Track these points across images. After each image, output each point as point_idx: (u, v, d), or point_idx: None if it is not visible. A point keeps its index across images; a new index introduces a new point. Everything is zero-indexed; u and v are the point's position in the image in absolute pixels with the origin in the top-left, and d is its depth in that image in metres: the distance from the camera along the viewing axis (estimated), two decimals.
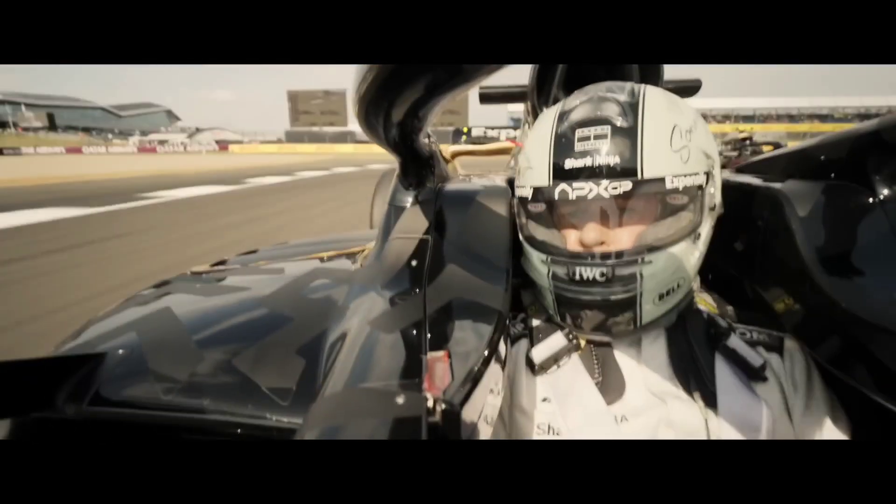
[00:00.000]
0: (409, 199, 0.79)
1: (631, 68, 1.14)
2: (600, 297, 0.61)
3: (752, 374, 0.63)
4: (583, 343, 0.68)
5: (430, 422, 0.37)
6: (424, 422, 0.36)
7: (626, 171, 0.57)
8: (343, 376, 0.45)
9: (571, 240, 0.64)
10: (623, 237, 0.62)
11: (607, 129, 0.59)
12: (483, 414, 0.48)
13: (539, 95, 1.35)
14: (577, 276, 0.61)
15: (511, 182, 0.83)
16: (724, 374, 0.63)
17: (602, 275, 0.59)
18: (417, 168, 0.80)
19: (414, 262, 0.66)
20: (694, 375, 0.64)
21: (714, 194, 0.64)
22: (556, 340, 0.67)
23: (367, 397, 0.41)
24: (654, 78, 1.22)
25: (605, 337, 0.67)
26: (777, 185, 0.69)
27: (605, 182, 0.57)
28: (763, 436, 0.59)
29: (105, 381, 0.54)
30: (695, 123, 0.63)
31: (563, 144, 0.61)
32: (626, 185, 0.57)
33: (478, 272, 0.64)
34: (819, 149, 0.74)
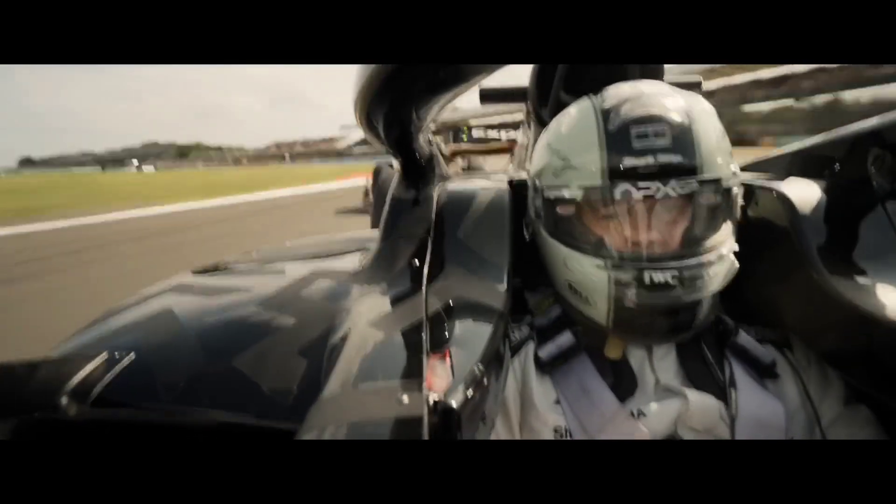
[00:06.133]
0: (409, 200, 0.79)
1: (631, 68, 1.14)
2: (670, 301, 0.58)
3: (763, 372, 0.63)
4: (612, 349, 0.66)
5: (432, 422, 0.37)
6: (426, 422, 0.36)
7: (689, 170, 0.56)
8: (344, 377, 0.45)
9: (620, 242, 0.61)
10: (676, 237, 0.60)
11: (665, 127, 0.57)
12: (483, 414, 0.48)
13: (539, 95, 1.35)
14: (648, 281, 0.57)
15: (512, 182, 0.83)
16: (735, 372, 0.62)
17: (674, 277, 0.57)
18: (418, 168, 0.80)
19: (414, 263, 0.66)
20: (705, 373, 0.63)
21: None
22: (564, 339, 0.66)
23: (368, 397, 0.41)
24: (654, 78, 1.22)
25: (661, 342, 0.64)
26: (778, 184, 0.69)
27: (672, 182, 0.56)
28: (779, 433, 0.59)
29: (107, 382, 0.54)
30: (722, 127, 0.62)
31: (617, 142, 0.57)
32: (693, 185, 0.56)
33: (478, 272, 0.64)
34: (820, 147, 0.74)
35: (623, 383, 0.64)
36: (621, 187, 0.57)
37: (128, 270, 5.44)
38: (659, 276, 0.57)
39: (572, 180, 0.61)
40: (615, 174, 0.57)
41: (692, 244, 0.60)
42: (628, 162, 0.57)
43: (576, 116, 0.64)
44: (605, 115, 0.60)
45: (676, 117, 0.57)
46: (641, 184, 0.56)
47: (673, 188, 0.56)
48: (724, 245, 0.60)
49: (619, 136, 0.58)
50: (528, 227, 0.73)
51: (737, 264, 0.62)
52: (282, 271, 0.83)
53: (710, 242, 0.60)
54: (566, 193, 0.62)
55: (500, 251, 0.68)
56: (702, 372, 0.64)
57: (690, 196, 0.58)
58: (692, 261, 0.58)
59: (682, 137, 0.56)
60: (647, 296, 0.58)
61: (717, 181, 0.58)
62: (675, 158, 0.56)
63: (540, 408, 0.63)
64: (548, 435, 0.62)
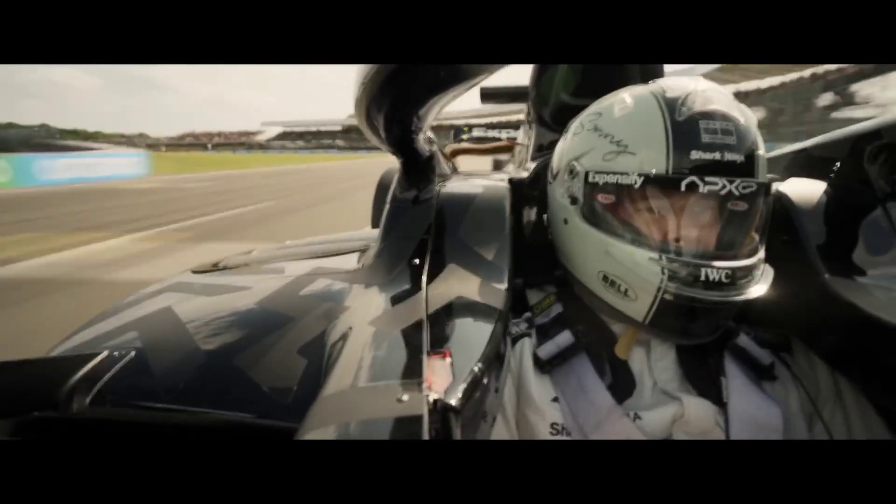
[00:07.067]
0: (409, 199, 0.79)
1: (631, 68, 1.14)
2: (721, 299, 0.57)
3: (761, 374, 0.63)
4: (623, 348, 0.66)
5: (432, 421, 0.37)
6: (426, 421, 0.36)
7: (749, 171, 0.56)
8: (344, 376, 0.45)
9: (677, 235, 0.60)
10: (731, 236, 0.60)
11: (732, 125, 0.56)
12: (484, 413, 0.48)
13: (539, 96, 1.35)
14: (704, 277, 0.56)
15: (512, 181, 0.83)
16: (733, 373, 0.62)
17: (727, 276, 0.56)
18: (418, 168, 0.81)
19: (414, 262, 0.67)
20: (703, 374, 0.63)
21: None
22: (564, 338, 0.66)
23: (368, 397, 0.41)
24: (653, 78, 1.22)
25: (692, 341, 0.63)
26: (778, 184, 0.69)
27: (738, 180, 0.55)
28: (776, 435, 0.59)
29: (106, 381, 0.54)
30: None
31: (685, 133, 0.56)
32: (753, 187, 0.56)
33: (478, 271, 0.64)
34: (820, 148, 0.74)
35: (621, 383, 0.64)
36: (688, 179, 0.55)
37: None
38: (714, 274, 0.56)
39: (630, 166, 0.59)
40: (682, 165, 0.56)
41: (744, 245, 0.60)
42: (696, 155, 0.56)
43: (633, 102, 0.62)
44: (671, 104, 0.58)
45: (740, 118, 0.57)
46: (708, 178, 0.55)
47: (737, 187, 0.55)
48: (762, 249, 0.61)
49: (688, 127, 0.56)
50: (531, 218, 0.72)
51: (771, 270, 0.61)
52: (282, 270, 0.83)
53: (757, 245, 0.60)
54: (622, 180, 0.59)
55: (500, 250, 0.68)
56: (699, 373, 0.64)
57: (747, 197, 0.58)
58: (745, 261, 0.58)
59: (745, 138, 0.57)
60: (700, 293, 0.57)
61: (769, 185, 0.58)
62: (738, 158, 0.56)
63: (537, 406, 0.64)
64: (545, 429, 0.63)
